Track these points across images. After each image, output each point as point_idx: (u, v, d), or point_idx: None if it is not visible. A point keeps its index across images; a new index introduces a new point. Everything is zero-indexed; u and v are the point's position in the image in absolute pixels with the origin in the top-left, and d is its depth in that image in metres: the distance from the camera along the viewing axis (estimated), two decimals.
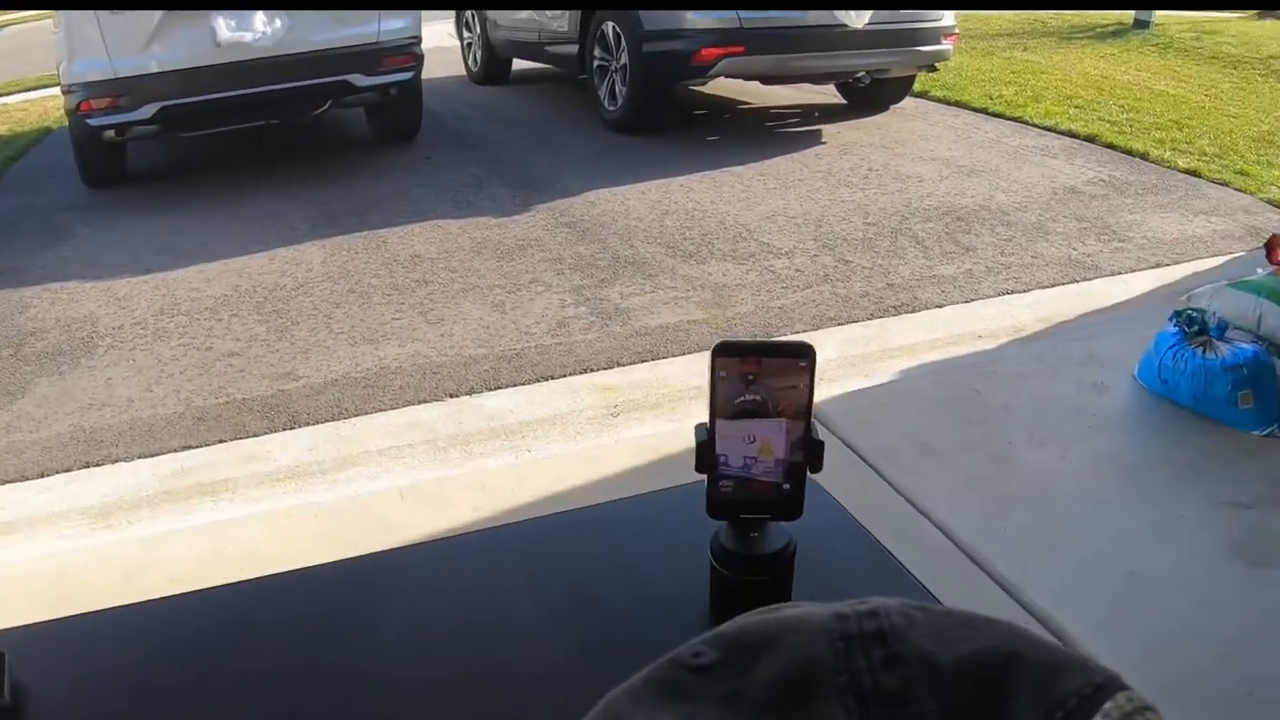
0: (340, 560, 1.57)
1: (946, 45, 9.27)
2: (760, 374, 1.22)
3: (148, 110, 7.36)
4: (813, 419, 1.28)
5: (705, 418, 1.26)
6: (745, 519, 1.33)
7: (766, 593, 1.35)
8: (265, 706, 1.26)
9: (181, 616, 1.42)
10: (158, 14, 7.21)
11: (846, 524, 1.57)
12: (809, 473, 1.30)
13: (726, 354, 1.22)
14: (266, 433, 4.49)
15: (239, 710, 1.25)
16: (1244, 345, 4.39)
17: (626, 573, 1.47)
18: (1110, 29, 14.30)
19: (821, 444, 1.28)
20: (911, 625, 0.50)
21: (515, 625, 1.37)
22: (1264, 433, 4.28)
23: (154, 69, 7.31)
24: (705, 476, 1.30)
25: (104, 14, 7.11)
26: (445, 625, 1.37)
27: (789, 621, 0.51)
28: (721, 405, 1.24)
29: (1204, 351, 4.38)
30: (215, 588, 1.46)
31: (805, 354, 1.22)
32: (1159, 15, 14.27)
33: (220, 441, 4.44)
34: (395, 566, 1.53)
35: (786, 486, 1.30)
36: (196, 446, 4.43)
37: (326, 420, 4.58)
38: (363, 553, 3.25)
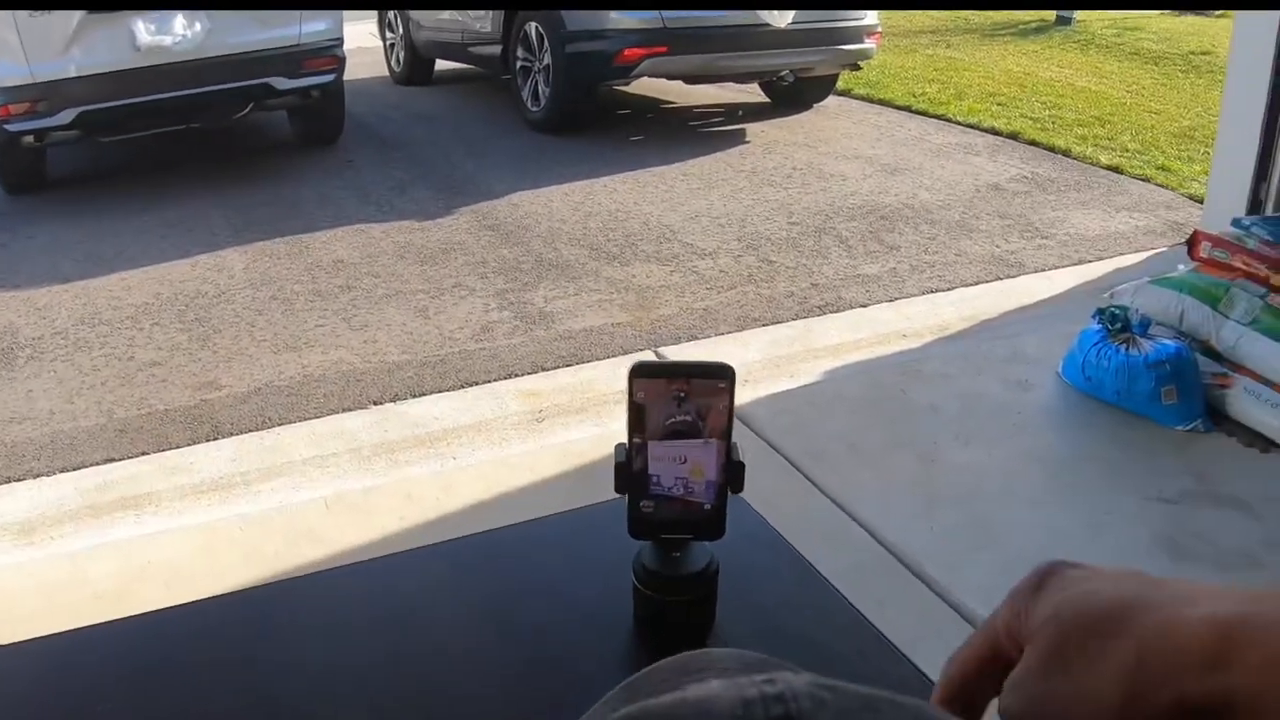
0: (261, 586, 1.56)
1: (869, 44, 9.33)
2: (690, 394, 1.22)
3: (67, 115, 7.27)
4: (733, 439, 1.28)
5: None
6: (667, 539, 1.33)
7: (690, 612, 1.35)
8: None
9: (97, 647, 1.39)
10: (76, 17, 7.11)
11: (769, 538, 1.56)
12: (730, 493, 1.30)
13: (646, 375, 1.21)
14: (190, 444, 4.45)
15: None
16: (1167, 342, 4.42)
17: (550, 594, 1.46)
18: (1033, 26, 14.41)
19: (743, 465, 1.28)
20: (820, 709, 0.49)
21: (441, 650, 1.36)
22: (1187, 428, 4.32)
23: (73, 73, 7.21)
24: (626, 496, 1.30)
25: (22, 17, 7.00)
26: (369, 651, 1.36)
27: (692, 706, 0.50)
28: (653, 426, 1.24)
29: (1127, 348, 4.41)
30: (132, 617, 1.43)
31: (725, 374, 1.22)
32: (1081, 12, 14.38)
33: (143, 454, 4.39)
34: (317, 590, 1.51)
35: (709, 507, 1.29)
36: (119, 459, 4.37)
37: (250, 430, 4.54)
38: (289, 566, 3.23)
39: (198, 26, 7.44)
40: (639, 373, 1.21)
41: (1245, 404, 4.34)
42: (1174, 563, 3.61)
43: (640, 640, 1.37)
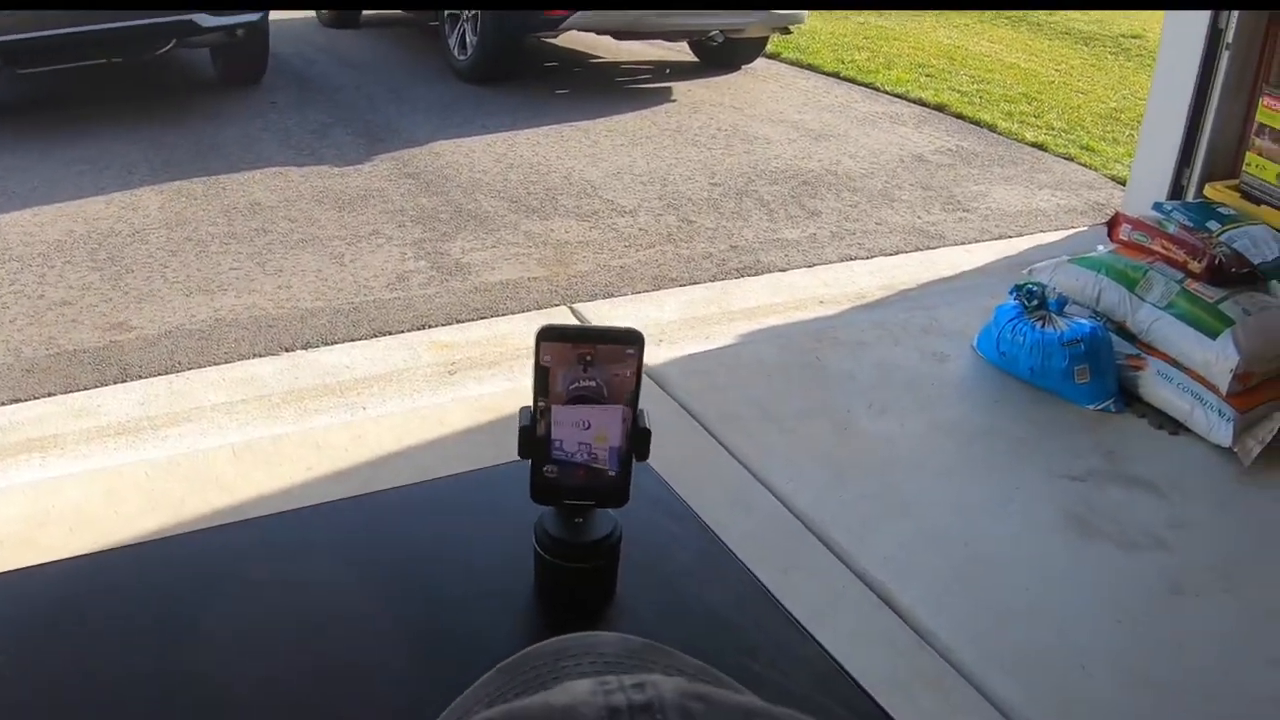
0: (163, 539, 1.54)
1: (801, 9, 9.30)
2: (596, 359, 1.21)
3: None
4: (640, 406, 1.27)
5: None
6: (571, 505, 1.32)
7: (591, 579, 1.34)
8: (81, 702, 1.22)
9: None
10: None
11: (675, 506, 1.56)
12: (636, 460, 1.29)
13: (553, 338, 1.20)
14: (97, 386, 4.38)
15: (52, 707, 1.21)
16: (1082, 321, 4.46)
17: (451, 557, 1.45)
18: None
19: (648, 432, 1.28)
20: None
21: (340, 613, 1.35)
22: (1099, 407, 4.36)
23: None
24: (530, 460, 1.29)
25: None
26: (267, 613, 1.35)
27: (556, 714, 0.48)
28: (558, 390, 1.23)
29: (1042, 325, 4.45)
30: (33, 567, 1.41)
31: (633, 340, 1.21)
32: None
33: (50, 395, 4.33)
34: (215, 548, 1.49)
35: (614, 473, 1.29)
36: (25, 400, 4.30)
37: (159, 374, 4.48)
38: (195, 514, 3.20)
39: None
40: (546, 336, 1.21)
41: (1157, 386, 4.38)
42: (1080, 540, 3.64)
43: (540, 607, 1.36)
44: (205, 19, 7.66)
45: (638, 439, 1.28)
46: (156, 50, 7.83)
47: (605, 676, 0.51)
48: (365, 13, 11.45)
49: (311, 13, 11.74)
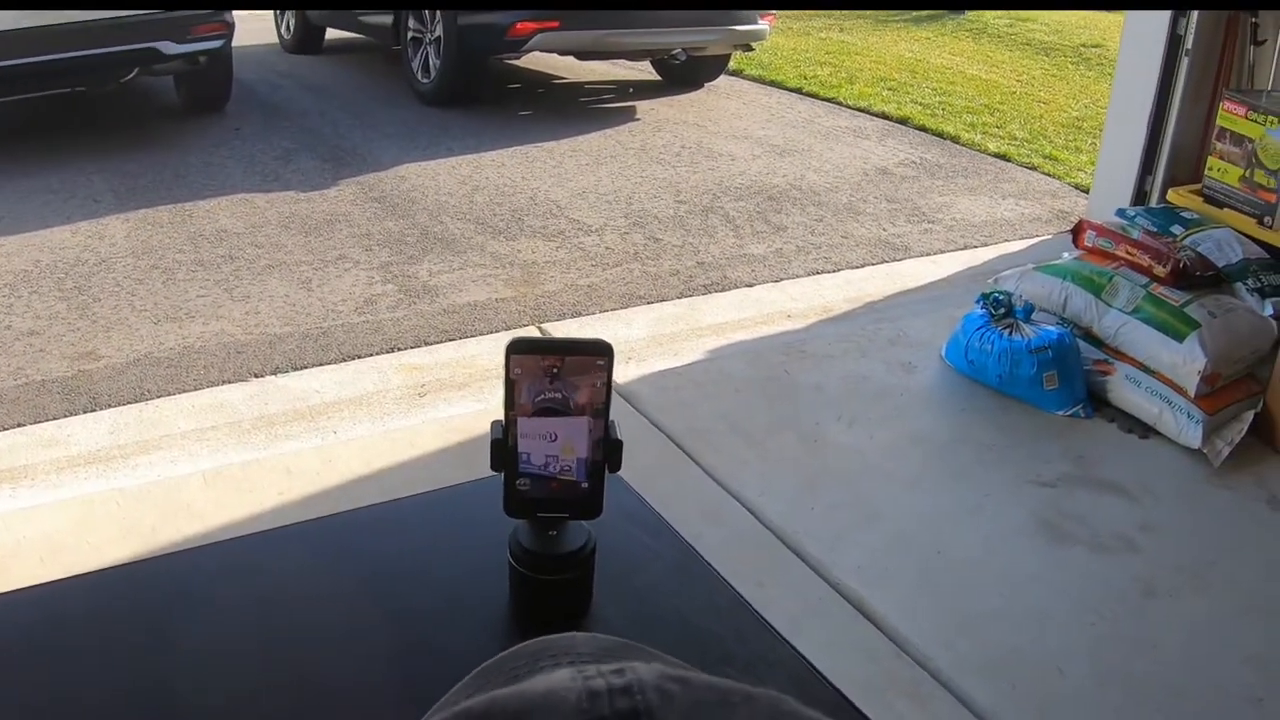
0: (136, 563, 1.53)
1: (763, 25, 9.34)
2: (563, 371, 1.22)
3: None
4: (611, 418, 1.27)
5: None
6: (544, 517, 1.32)
7: (565, 592, 1.34)
8: None
9: None
10: None
11: (648, 518, 1.56)
12: (608, 471, 1.30)
13: (522, 351, 1.21)
14: (67, 415, 4.36)
15: None
16: (1049, 328, 4.49)
17: (426, 572, 1.46)
18: (926, 13, 14.51)
19: (620, 443, 1.29)
20: (668, 704, 0.48)
21: (315, 630, 1.35)
22: (1067, 413, 4.39)
23: None
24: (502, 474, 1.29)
25: None
26: (243, 631, 1.34)
27: (538, 699, 0.49)
28: (523, 402, 1.23)
29: (1010, 333, 4.47)
30: (5, 593, 1.41)
31: (604, 352, 1.22)
32: None
33: (19, 425, 4.30)
34: (190, 568, 1.49)
35: (585, 485, 1.29)
36: None
37: (129, 402, 4.46)
38: (167, 541, 3.19)
39: None
40: (515, 349, 1.21)
41: (1125, 390, 4.41)
42: (1052, 544, 3.66)
43: (515, 620, 1.37)
44: (169, 46, 7.64)
45: (610, 450, 1.28)
46: (120, 78, 7.80)
47: (585, 666, 0.52)
48: (328, 37, 11.45)
49: (274, 39, 11.74)
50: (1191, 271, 4.50)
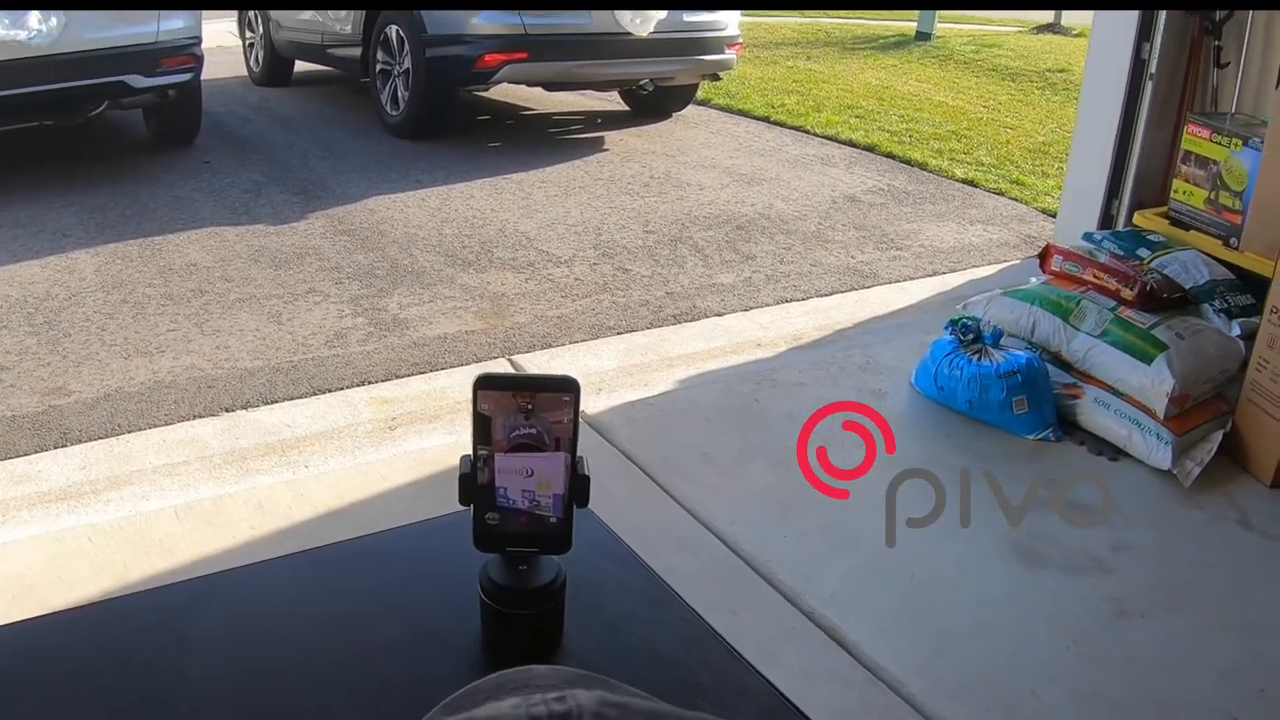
0: (106, 600, 1.53)
1: (730, 54, 9.40)
2: (537, 407, 1.22)
3: None
4: (579, 453, 1.28)
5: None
6: (514, 552, 1.33)
7: (536, 626, 1.35)
8: None
9: None
10: None
11: (618, 551, 1.57)
12: (576, 507, 1.30)
13: (488, 387, 1.21)
14: (37, 451, 4.34)
15: None
16: (1018, 352, 4.50)
17: (396, 608, 1.45)
18: (892, 40, 14.64)
19: (588, 479, 1.29)
20: None
21: (286, 667, 1.35)
22: (1037, 437, 4.40)
23: None
24: (471, 508, 1.29)
25: None
26: (213, 668, 1.34)
27: None
28: (499, 439, 1.24)
29: (979, 358, 4.49)
30: None
31: (570, 387, 1.22)
32: (940, 27, 14.62)
33: None
34: (163, 605, 1.49)
35: (554, 519, 1.30)
36: None
37: (99, 437, 4.44)
38: (139, 577, 3.17)
39: (53, 22, 7.23)
40: (484, 384, 1.21)
41: (1095, 413, 4.43)
42: (1024, 568, 3.67)
43: (487, 654, 1.37)
44: (137, 80, 7.64)
45: (577, 486, 1.29)
46: (89, 112, 7.80)
47: (531, 694, 0.52)
48: (297, 69, 11.46)
49: (243, 71, 11.76)
50: (1159, 294, 4.53)
